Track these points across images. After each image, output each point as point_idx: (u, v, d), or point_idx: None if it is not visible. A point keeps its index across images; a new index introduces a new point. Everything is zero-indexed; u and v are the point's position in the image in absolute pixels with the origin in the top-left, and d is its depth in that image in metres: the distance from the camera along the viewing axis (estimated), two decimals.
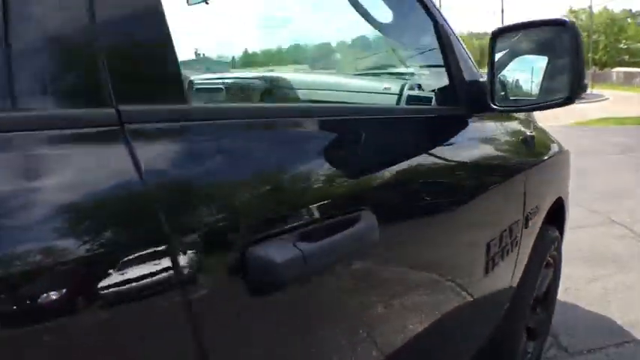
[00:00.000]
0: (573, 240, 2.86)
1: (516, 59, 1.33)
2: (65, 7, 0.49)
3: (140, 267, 0.47)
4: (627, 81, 40.10)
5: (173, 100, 0.60)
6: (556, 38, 1.21)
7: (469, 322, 1.37)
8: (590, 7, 46.97)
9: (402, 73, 1.53)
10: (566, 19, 1.17)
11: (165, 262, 0.49)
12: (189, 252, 0.51)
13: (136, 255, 0.47)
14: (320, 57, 1.83)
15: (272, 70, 2.00)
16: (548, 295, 2.08)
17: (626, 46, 53.85)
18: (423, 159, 1.03)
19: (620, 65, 48.95)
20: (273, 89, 1.68)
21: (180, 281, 0.50)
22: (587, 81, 33.35)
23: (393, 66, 1.63)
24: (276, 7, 1.52)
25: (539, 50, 1.30)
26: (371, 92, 1.52)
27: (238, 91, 1.69)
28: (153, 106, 0.56)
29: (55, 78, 0.49)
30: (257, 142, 0.68)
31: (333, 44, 1.76)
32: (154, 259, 0.48)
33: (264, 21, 1.67)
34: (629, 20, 57.84)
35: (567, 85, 1.16)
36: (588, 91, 30.89)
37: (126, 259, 0.46)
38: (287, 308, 0.65)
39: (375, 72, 1.66)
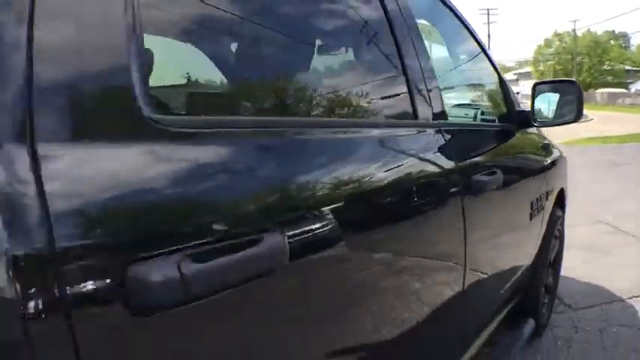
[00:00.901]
0: (570, 235, 3.71)
1: (539, 96, 2.22)
2: None
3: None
4: (611, 101, 41.51)
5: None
6: (566, 87, 2.11)
7: (512, 269, 2.17)
8: (574, 29, 48.88)
9: (477, 104, 2.43)
10: (574, 80, 2.07)
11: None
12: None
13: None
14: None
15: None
16: (556, 261, 2.94)
17: (609, 67, 55.28)
18: (495, 151, 1.90)
19: (604, 86, 50.37)
20: None
21: None
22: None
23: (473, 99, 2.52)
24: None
25: (554, 90, 2.19)
26: (465, 116, 2.40)
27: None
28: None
29: None
30: (406, 143, 1.35)
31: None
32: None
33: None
34: (612, 42, 59.78)
35: (574, 112, 2.05)
36: None
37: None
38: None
39: (464, 103, 2.50)
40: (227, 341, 0.73)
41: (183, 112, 1.04)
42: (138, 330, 0.60)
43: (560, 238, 2.96)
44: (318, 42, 1.34)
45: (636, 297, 3.29)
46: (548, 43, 58.87)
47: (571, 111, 2.15)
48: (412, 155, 1.28)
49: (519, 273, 2.22)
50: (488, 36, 42.19)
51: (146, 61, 0.71)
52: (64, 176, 0.56)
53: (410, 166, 1.24)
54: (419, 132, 1.41)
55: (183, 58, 1.17)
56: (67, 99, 0.58)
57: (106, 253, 0.57)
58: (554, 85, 2.20)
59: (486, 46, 2.19)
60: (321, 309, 0.92)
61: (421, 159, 1.31)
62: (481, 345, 1.86)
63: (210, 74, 1.23)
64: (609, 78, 54.72)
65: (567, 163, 3.07)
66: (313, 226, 0.85)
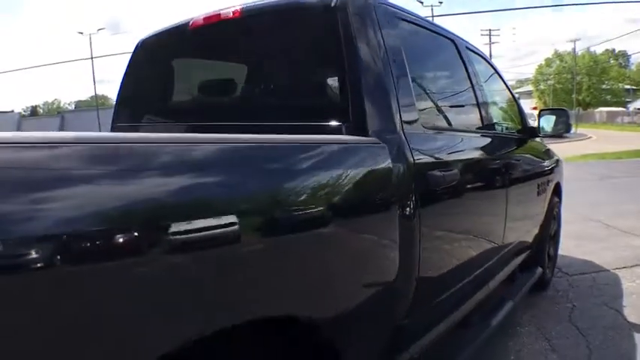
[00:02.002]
0: (566, 229, 4.86)
1: (542, 117, 3.42)
2: None
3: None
4: (610, 120, 42.99)
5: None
6: (560, 112, 3.32)
7: (527, 235, 3.36)
8: (574, 49, 50.55)
9: (505, 121, 3.61)
10: (565, 108, 3.28)
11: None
12: None
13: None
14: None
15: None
16: (555, 235, 4.12)
17: (608, 87, 56.98)
18: (516, 151, 3.08)
19: (604, 105, 51.90)
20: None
21: None
22: (572, 121, 35.77)
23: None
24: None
25: (552, 114, 3.39)
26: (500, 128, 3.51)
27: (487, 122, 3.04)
28: None
29: None
30: (471, 142, 2.60)
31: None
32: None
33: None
34: (611, 61, 61.45)
35: (565, 127, 3.26)
36: (572, 130, 33.48)
37: None
38: None
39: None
40: None
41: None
42: None
43: (558, 219, 4.14)
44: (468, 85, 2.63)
45: (617, 268, 4.44)
46: (548, 63, 60.59)
47: (563, 126, 3.36)
48: (487, 150, 2.53)
49: (533, 233, 3.42)
50: (490, 56, 43.55)
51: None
52: (418, 148, 1.72)
53: (491, 152, 2.50)
54: (484, 135, 2.66)
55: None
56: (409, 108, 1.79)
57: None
58: (552, 111, 3.42)
59: (509, 84, 3.42)
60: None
61: (493, 150, 2.58)
62: (509, 272, 3.04)
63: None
64: (608, 97, 56.15)
65: (563, 165, 4.27)
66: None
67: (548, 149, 3.87)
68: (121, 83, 2.51)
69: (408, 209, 1.61)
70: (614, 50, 67.37)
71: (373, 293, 1.52)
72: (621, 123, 39.76)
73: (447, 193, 1.93)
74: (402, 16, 2.00)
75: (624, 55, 70.86)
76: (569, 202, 6.94)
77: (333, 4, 1.70)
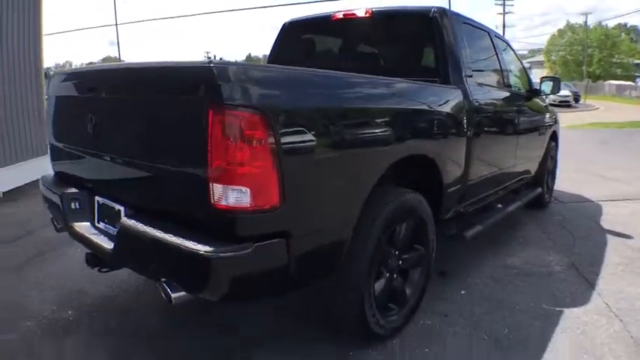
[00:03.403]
0: (565, 176, 6.41)
1: (543, 83, 4.92)
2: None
3: None
4: (618, 93, 43.86)
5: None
6: (555, 79, 4.82)
7: (531, 163, 4.90)
8: (586, 22, 51.25)
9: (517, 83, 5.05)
10: (558, 76, 4.82)
11: None
12: None
13: None
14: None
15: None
16: (552, 171, 5.68)
17: (618, 61, 57.83)
18: (527, 103, 4.58)
19: (613, 78, 52.76)
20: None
21: None
22: (581, 93, 37.42)
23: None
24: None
25: (550, 80, 4.89)
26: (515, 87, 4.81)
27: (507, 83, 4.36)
28: None
29: None
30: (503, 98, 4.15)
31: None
32: None
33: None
34: (622, 35, 61.96)
35: (557, 89, 4.79)
36: (581, 101, 34.96)
37: None
38: None
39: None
40: None
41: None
42: None
43: (555, 159, 5.69)
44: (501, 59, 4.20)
45: (600, 200, 5.96)
46: (561, 34, 61.23)
47: (556, 89, 4.85)
48: (507, 101, 4.08)
49: (536, 163, 4.98)
50: (504, 25, 44.53)
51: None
52: (473, 92, 3.25)
53: (509, 105, 4.08)
54: (506, 91, 4.16)
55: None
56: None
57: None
58: (550, 78, 4.90)
59: (520, 58, 4.93)
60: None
61: (511, 102, 4.13)
62: (518, 184, 4.61)
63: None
64: (618, 71, 56.91)
65: (560, 118, 5.80)
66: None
67: (548, 106, 5.39)
68: (273, 47, 4.04)
69: (468, 128, 3.16)
70: (626, 25, 67.85)
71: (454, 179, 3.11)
72: (629, 96, 40.71)
73: (487, 119, 3.49)
74: (462, 20, 3.52)
75: (636, 31, 71.29)
76: (571, 158, 8.58)
77: (431, 14, 3.23)
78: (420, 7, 3.41)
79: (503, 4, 44.27)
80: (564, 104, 29.99)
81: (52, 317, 2.93)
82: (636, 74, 55.64)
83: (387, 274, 2.57)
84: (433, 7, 3.29)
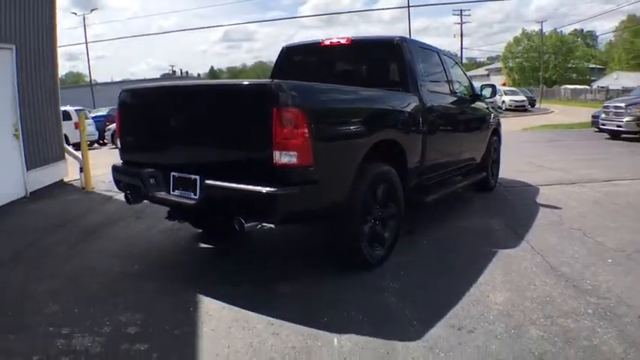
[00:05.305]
0: (511, 167, 7.86)
1: (484, 89, 6.35)
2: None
3: None
4: (574, 96, 46.56)
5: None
6: (492, 86, 6.28)
7: (476, 153, 6.28)
8: (542, 29, 54.10)
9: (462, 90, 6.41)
10: (494, 84, 6.29)
11: None
12: None
13: None
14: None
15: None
16: (495, 161, 7.12)
17: (574, 66, 61.34)
18: (470, 105, 6.00)
19: (569, 83, 55.76)
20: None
21: None
22: (537, 97, 39.73)
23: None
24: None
25: (488, 87, 6.33)
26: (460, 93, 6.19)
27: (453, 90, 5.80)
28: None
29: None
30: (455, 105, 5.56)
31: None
32: None
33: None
34: (578, 40, 65.56)
35: (493, 94, 6.26)
36: (537, 105, 37.27)
37: None
38: None
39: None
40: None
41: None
42: None
43: (497, 151, 7.13)
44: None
45: (539, 185, 7.31)
46: (517, 41, 64.41)
47: (492, 94, 6.27)
48: (454, 103, 5.48)
49: (480, 151, 6.36)
50: (462, 34, 46.87)
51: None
52: (426, 98, 4.60)
53: (454, 107, 5.47)
54: (452, 96, 5.53)
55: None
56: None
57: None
58: (488, 85, 6.30)
59: (464, 71, 6.37)
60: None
61: (456, 105, 5.55)
62: (465, 169, 6.01)
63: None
64: (574, 75, 60.21)
65: (500, 118, 7.26)
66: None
67: (488, 107, 6.83)
68: (275, 67, 5.34)
69: (423, 123, 4.48)
70: (582, 30, 71.76)
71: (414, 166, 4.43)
72: (584, 100, 43.19)
73: (438, 119, 4.83)
74: (419, 44, 4.93)
75: (592, 36, 75.55)
76: (520, 154, 10.11)
77: (395, 42, 4.58)
78: (387, 36, 4.83)
79: (460, 15, 46.82)
80: (520, 109, 32.20)
81: (121, 271, 4.10)
82: (592, 78, 59.03)
83: (372, 221, 3.85)
84: (396, 36, 4.69)
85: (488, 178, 6.72)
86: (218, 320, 3.07)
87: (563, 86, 53.07)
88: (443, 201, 5.24)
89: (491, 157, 6.83)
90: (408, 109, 4.35)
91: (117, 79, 57.91)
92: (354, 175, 3.52)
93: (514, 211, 5.78)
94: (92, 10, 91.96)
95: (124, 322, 3.03)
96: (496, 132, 7.00)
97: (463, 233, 4.94)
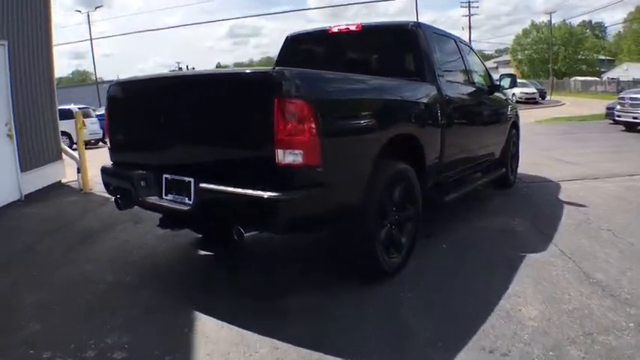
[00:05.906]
0: (528, 161, 7.43)
1: (502, 79, 5.94)
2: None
3: None
4: (585, 88, 45.80)
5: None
6: (512, 75, 5.84)
7: (495, 147, 5.88)
8: (550, 20, 53.41)
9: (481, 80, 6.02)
10: (514, 73, 5.86)
11: None
12: None
13: None
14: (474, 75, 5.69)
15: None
16: (515, 155, 6.70)
17: (583, 57, 60.52)
18: (489, 97, 5.60)
19: (579, 74, 55.03)
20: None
21: None
22: (547, 89, 39.24)
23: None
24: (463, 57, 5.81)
25: (508, 77, 5.91)
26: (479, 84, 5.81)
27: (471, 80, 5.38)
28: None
29: None
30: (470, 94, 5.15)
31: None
32: None
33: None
34: (587, 31, 64.65)
35: (513, 84, 5.81)
36: (548, 97, 36.72)
37: None
38: None
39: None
40: None
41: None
42: None
43: (516, 144, 6.71)
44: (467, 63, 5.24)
45: (559, 180, 6.96)
46: (525, 33, 63.60)
47: (513, 84, 5.85)
48: (472, 94, 5.07)
49: (500, 146, 5.95)
50: (470, 27, 46.20)
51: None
52: (444, 88, 4.21)
53: (473, 98, 5.08)
54: (471, 87, 5.13)
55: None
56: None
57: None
58: (508, 75, 5.88)
59: (481, 59, 5.93)
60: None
61: (475, 96, 5.12)
62: (484, 165, 5.60)
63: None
64: (583, 67, 59.35)
65: (519, 111, 6.84)
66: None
67: (508, 99, 6.40)
68: (278, 58, 4.94)
69: (442, 116, 4.09)
70: (590, 22, 70.75)
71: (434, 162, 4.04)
72: (594, 92, 42.52)
73: (457, 111, 4.42)
74: (435, 31, 4.49)
75: (601, 27, 74.48)
76: (536, 148, 9.65)
77: (409, 28, 4.17)
78: (400, 22, 4.39)
79: (469, 6, 46.11)
80: (531, 101, 31.60)
81: (114, 281, 3.75)
82: (602, 69, 58.21)
83: (389, 225, 3.44)
84: (410, 21, 4.25)
85: (508, 174, 6.31)
86: (215, 343, 2.69)
87: (573, 78, 52.27)
88: (460, 199, 4.85)
89: (510, 152, 6.41)
90: (426, 101, 3.95)
91: (123, 76, 57.39)
92: (367, 175, 3.12)
93: (537, 209, 5.38)
94: (97, 8, 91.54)
95: (110, 346, 2.67)
96: (515, 125, 6.59)
97: (485, 235, 4.55)
